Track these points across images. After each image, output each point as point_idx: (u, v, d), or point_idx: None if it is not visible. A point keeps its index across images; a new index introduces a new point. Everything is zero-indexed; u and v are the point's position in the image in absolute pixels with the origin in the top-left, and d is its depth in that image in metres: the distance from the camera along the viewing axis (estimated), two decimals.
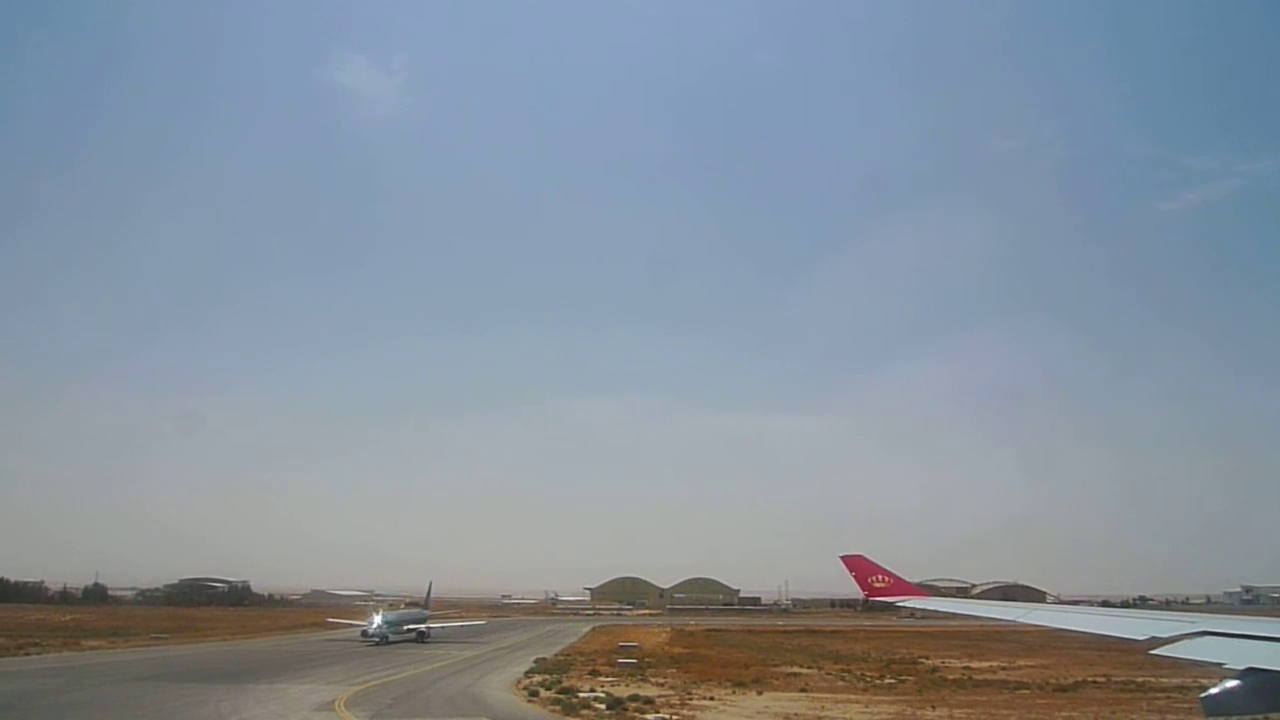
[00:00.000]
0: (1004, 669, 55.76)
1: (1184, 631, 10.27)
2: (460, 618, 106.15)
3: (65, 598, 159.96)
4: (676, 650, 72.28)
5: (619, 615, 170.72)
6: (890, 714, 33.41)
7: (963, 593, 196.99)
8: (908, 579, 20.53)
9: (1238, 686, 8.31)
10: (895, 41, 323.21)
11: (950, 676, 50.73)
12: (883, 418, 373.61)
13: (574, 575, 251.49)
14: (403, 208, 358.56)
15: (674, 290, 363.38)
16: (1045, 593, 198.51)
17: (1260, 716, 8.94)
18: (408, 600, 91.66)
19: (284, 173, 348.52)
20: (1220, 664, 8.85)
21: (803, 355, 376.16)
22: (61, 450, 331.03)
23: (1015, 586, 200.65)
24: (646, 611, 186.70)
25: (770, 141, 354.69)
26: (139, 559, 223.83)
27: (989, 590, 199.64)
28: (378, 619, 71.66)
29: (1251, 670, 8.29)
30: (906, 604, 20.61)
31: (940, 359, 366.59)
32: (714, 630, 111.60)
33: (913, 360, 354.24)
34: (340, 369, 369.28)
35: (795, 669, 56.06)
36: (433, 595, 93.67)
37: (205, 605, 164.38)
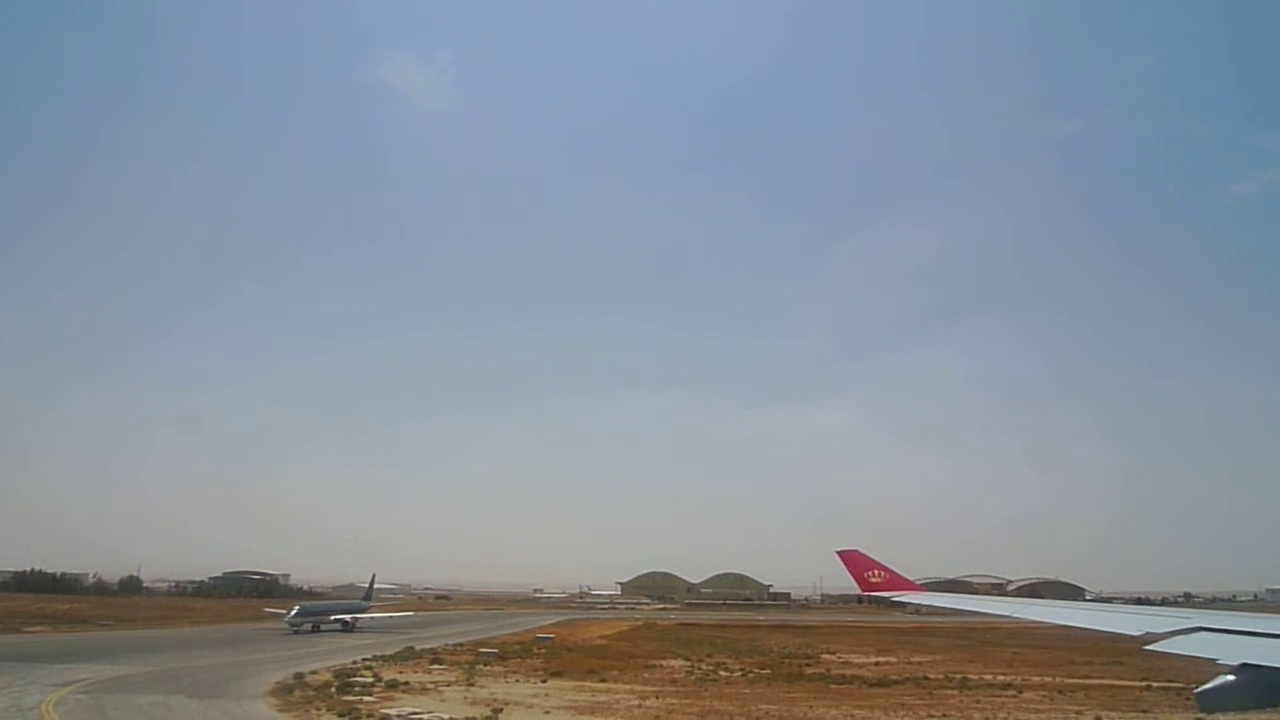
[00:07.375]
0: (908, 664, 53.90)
1: (1178, 627, 10.39)
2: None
3: (100, 589, 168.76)
4: (596, 642, 71.81)
5: (634, 609, 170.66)
6: (661, 707, 33.83)
7: (998, 588, 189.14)
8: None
9: (1232, 682, 8.45)
10: (945, 24, 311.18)
11: (835, 671, 49.64)
12: (912, 413, 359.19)
13: (611, 570, 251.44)
14: (431, 202, 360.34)
15: (702, 285, 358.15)
16: (1084, 589, 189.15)
17: (1257, 714, 9.35)
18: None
19: (307, 168, 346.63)
20: (1214, 660, 8.95)
21: (838, 348, 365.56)
22: (112, 453, 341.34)
23: (1052, 582, 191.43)
24: (663, 605, 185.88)
25: (798, 133, 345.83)
26: (202, 557, 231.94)
27: (1023, 586, 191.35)
28: (294, 609, 73.72)
29: (1245, 666, 8.46)
30: (902, 599, 20.73)
31: (957, 353, 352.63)
32: (688, 624, 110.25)
33: (943, 352, 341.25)
34: (380, 363, 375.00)
35: (668, 661, 55.02)
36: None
37: (233, 596, 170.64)
